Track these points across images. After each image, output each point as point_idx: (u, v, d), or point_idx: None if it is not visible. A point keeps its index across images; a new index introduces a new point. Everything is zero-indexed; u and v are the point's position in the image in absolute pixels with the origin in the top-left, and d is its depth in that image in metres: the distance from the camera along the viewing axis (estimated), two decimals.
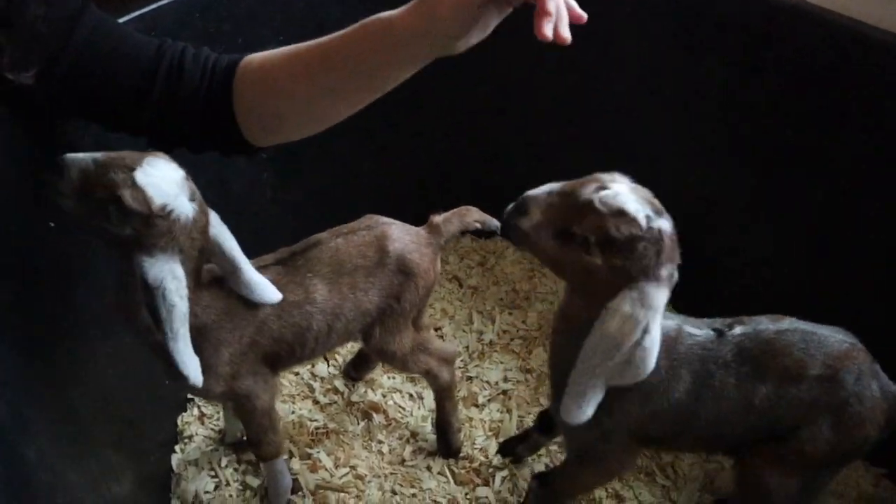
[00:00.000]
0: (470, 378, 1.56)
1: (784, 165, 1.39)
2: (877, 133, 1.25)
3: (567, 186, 0.88)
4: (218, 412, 1.48)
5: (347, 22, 1.48)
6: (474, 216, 1.30)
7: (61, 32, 0.90)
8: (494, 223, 1.28)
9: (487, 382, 1.55)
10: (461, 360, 1.59)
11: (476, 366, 1.58)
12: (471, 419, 1.48)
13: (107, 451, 1.16)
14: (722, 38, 1.39)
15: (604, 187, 0.85)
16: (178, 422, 1.46)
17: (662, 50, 1.47)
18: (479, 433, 1.45)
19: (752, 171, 1.46)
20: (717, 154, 1.51)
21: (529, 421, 1.47)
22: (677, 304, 1.68)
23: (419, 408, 1.50)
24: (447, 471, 1.39)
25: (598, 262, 0.86)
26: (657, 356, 0.90)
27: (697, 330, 1.03)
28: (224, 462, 1.39)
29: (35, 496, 0.83)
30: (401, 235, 1.20)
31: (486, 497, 1.35)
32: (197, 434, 1.44)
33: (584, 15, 0.86)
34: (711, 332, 1.03)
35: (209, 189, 1.45)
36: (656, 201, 0.88)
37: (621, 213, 0.83)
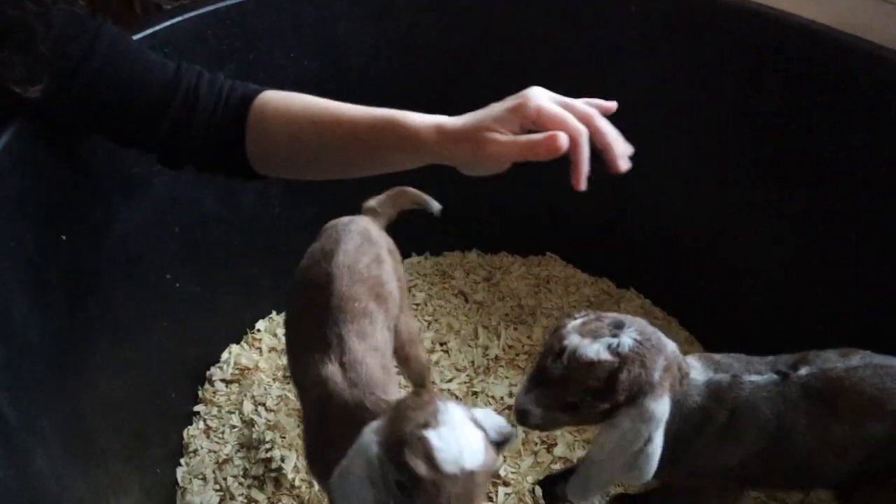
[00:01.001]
0: (475, 393, 1.56)
1: (793, 179, 1.41)
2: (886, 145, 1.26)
3: (536, 372, 0.91)
4: (223, 426, 1.48)
5: (355, 37, 1.51)
6: (409, 197, 1.29)
7: (79, 49, 0.91)
8: (434, 205, 1.29)
9: (493, 397, 1.55)
10: (466, 375, 1.59)
11: (481, 381, 1.58)
12: None
13: (114, 463, 1.16)
14: (729, 54, 1.40)
15: (560, 352, 0.87)
16: (184, 435, 1.46)
17: (669, 66, 1.49)
18: None
19: (764, 187, 1.47)
20: (728, 170, 1.52)
21: (534, 437, 1.46)
22: (696, 326, 1.71)
23: None
24: None
25: (608, 406, 0.89)
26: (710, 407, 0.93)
27: (758, 377, 1.00)
28: (229, 476, 1.39)
29: None
30: (369, 223, 1.19)
31: None
32: (202, 448, 1.44)
33: (614, 105, 0.88)
34: (775, 376, 0.99)
35: (219, 202, 1.47)
36: (609, 318, 0.90)
37: (589, 365, 0.85)
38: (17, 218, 0.94)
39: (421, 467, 0.70)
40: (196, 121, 0.96)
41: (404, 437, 0.73)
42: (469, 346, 1.67)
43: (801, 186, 1.40)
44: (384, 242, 1.18)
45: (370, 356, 0.98)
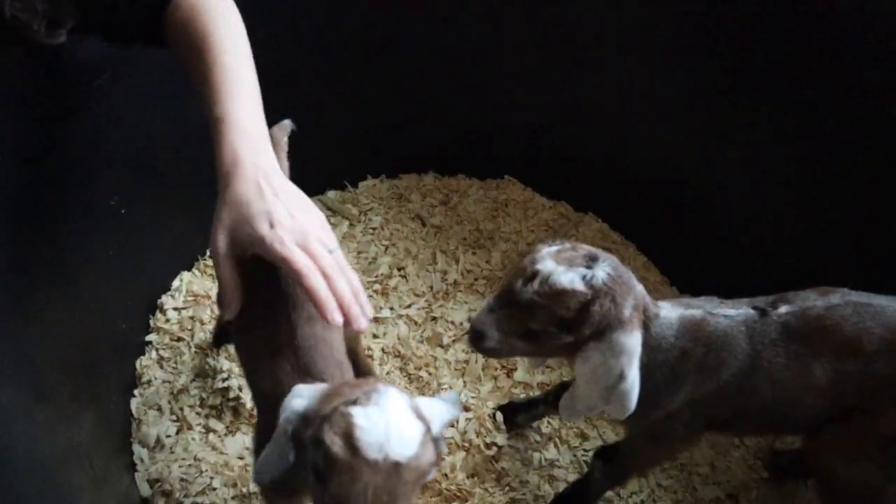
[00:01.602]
0: (434, 318, 1.55)
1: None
2: None
3: (502, 294, 0.88)
4: (176, 356, 1.44)
5: None
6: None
7: None
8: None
9: (452, 323, 1.55)
10: (425, 301, 1.58)
11: (440, 306, 1.57)
12: (435, 359, 1.48)
13: (65, 398, 1.13)
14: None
15: (532, 276, 0.85)
16: (137, 366, 1.42)
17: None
18: (445, 373, 1.46)
19: (731, 108, 1.45)
20: (695, 93, 1.50)
21: (493, 362, 1.47)
22: (655, 253, 1.71)
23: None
24: None
25: (572, 339, 0.87)
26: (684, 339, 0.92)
27: (733, 310, 0.99)
28: (186, 406, 1.36)
29: None
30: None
31: (453, 437, 1.36)
32: (156, 378, 1.41)
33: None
34: (752, 311, 0.98)
35: (165, 123, 1.39)
36: (584, 249, 0.88)
37: (560, 293, 0.84)
38: None
39: (337, 445, 0.62)
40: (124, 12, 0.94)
41: (328, 412, 0.65)
42: (427, 270, 1.65)
43: (771, 104, 1.39)
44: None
45: (322, 344, 0.90)
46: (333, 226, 1.72)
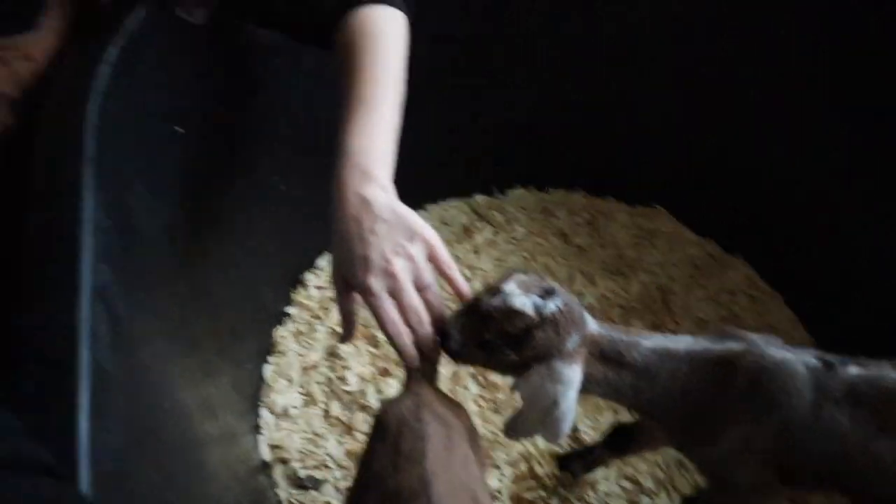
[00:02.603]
0: None
1: None
2: None
3: (472, 302, 0.95)
4: (312, 331, 1.51)
5: None
6: None
7: None
8: None
9: None
10: None
11: None
12: None
13: (208, 353, 1.21)
14: None
15: (496, 292, 0.92)
16: (274, 335, 1.50)
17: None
18: None
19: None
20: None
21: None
22: (804, 309, 1.62)
23: None
24: None
25: (516, 358, 0.93)
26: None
27: (792, 354, 0.97)
28: (314, 382, 1.43)
29: (145, 395, 0.87)
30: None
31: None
32: (290, 349, 1.48)
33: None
34: (816, 361, 0.96)
35: (330, 109, 1.46)
36: (547, 283, 0.93)
37: (511, 312, 0.90)
38: (143, 109, 0.95)
39: None
40: (306, 14, 1.01)
41: None
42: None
43: None
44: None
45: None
46: (478, 230, 1.74)
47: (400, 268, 0.85)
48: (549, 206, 1.82)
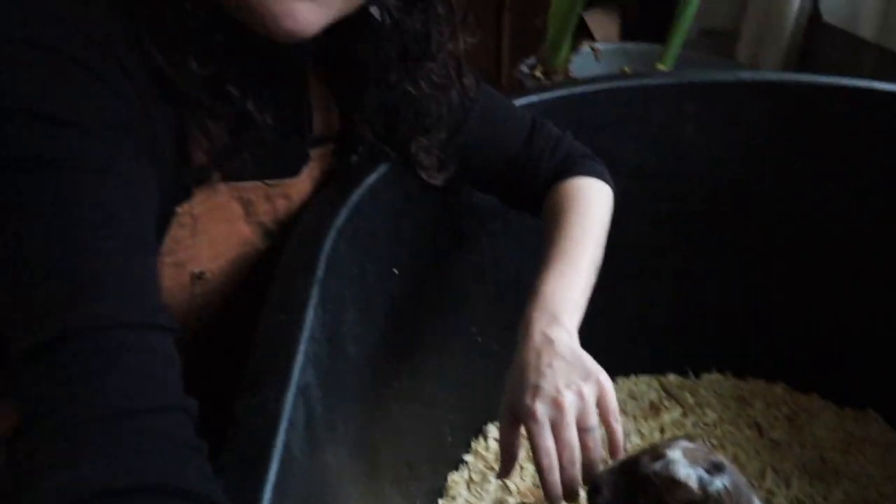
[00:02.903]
0: None
1: None
2: None
3: (630, 460, 0.91)
4: (484, 483, 1.53)
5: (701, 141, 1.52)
6: None
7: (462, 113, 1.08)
8: None
9: None
10: None
11: None
12: None
13: (384, 481, 1.28)
14: None
15: (659, 457, 0.88)
16: (448, 479, 1.55)
17: None
18: None
19: None
20: None
21: None
22: None
23: None
24: None
25: None
26: None
27: None
28: None
29: (322, 490, 0.95)
30: None
31: None
32: (460, 495, 1.51)
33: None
34: None
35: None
36: (716, 458, 0.88)
37: (674, 482, 0.86)
38: (369, 249, 1.11)
39: None
40: (524, 184, 1.14)
41: None
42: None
43: None
44: None
45: None
46: (666, 409, 1.70)
47: (569, 402, 0.87)
48: (746, 396, 1.74)
